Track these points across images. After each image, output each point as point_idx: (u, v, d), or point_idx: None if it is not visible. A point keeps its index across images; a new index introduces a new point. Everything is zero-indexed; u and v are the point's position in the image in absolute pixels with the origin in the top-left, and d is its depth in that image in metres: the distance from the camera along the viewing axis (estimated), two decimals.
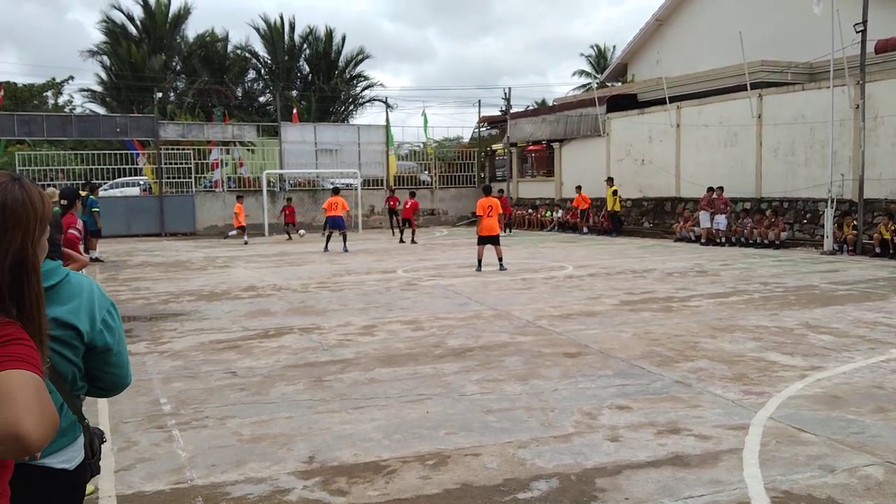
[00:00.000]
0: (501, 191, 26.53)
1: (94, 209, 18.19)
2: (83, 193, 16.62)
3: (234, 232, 24.74)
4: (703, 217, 20.40)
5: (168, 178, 28.59)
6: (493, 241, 14.92)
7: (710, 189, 20.52)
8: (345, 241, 20.15)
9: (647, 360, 7.32)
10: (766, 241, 19.08)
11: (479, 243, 15.09)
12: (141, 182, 30.19)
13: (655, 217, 24.69)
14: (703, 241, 20.36)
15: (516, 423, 5.49)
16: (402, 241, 23.05)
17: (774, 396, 6.04)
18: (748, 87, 20.86)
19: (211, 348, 8.26)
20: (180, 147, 28.86)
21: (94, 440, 2.24)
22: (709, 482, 4.36)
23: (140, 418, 5.81)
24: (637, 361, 7.29)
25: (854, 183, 17.58)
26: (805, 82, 21.05)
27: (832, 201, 17.51)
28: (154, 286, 13.66)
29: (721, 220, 19.95)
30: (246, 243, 23.42)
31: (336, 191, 21.35)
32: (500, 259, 14.97)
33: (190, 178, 28.71)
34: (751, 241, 19.36)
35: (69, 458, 2.11)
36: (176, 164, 28.57)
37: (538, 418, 5.59)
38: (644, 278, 13.57)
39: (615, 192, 24.17)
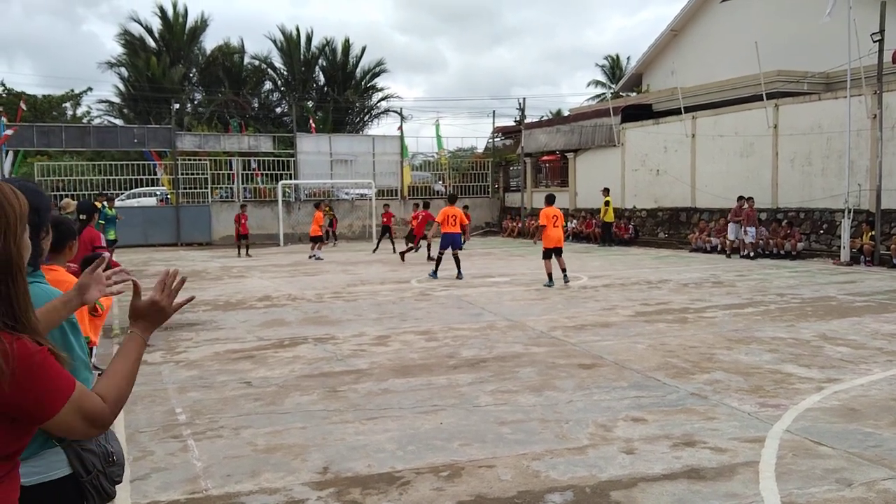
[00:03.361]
0: (467, 206, 25.38)
1: (99, 221, 18.21)
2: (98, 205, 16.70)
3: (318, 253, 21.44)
4: (731, 228, 19.78)
5: (185, 188, 28.83)
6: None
7: (741, 198, 19.94)
8: (458, 264, 15.61)
9: (662, 372, 7.29)
10: (782, 252, 18.94)
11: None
12: (158, 192, 30.46)
13: (671, 227, 24.59)
14: (728, 252, 19.78)
15: (530, 434, 5.48)
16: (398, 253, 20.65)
17: (791, 409, 5.99)
18: (764, 97, 20.76)
19: (226, 358, 8.30)
20: (197, 157, 29.11)
21: (86, 457, 2.24)
22: (724, 495, 4.33)
23: (155, 428, 5.85)
24: (652, 373, 7.26)
25: (871, 193, 17.43)
26: (821, 92, 20.93)
27: (849, 212, 17.38)
28: None
29: (751, 232, 19.22)
30: (315, 258, 21.06)
31: (452, 199, 17.06)
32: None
33: (206, 188, 28.92)
34: (767, 252, 19.23)
35: (41, 470, 2.12)
36: (193, 174, 28.81)
37: (552, 430, 5.57)
38: (659, 289, 13.51)
39: (607, 203, 24.19)
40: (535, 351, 8.36)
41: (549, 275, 14.10)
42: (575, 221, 27.50)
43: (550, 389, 6.71)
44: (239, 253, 22.63)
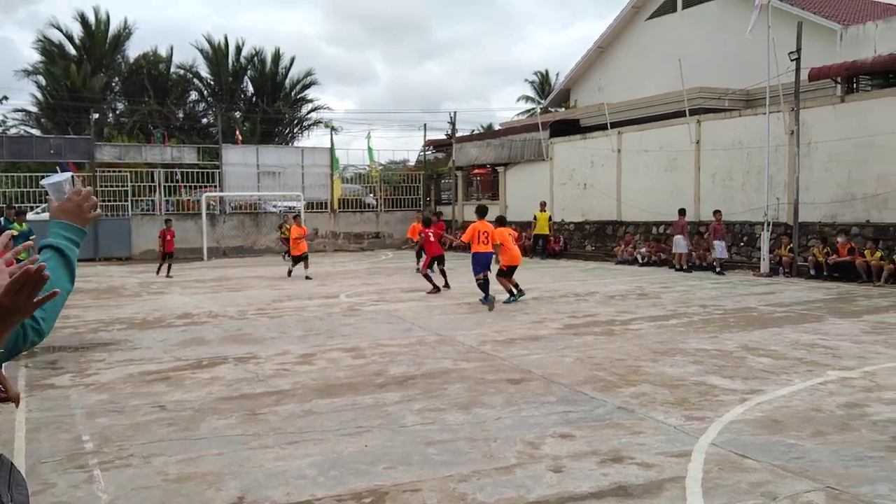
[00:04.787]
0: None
1: None
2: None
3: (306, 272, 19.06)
4: (677, 242, 19.47)
5: (104, 200, 27.73)
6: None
7: (682, 211, 19.87)
8: (486, 288, 13.05)
9: (589, 386, 7.26)
10: (704, 264, 19.39)
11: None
12: None
13: (598, 240, 24.96)
14: (676, 266, 19.37)
15: (458, 455, 5.33)
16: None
17: (716, 421, 6.01)
18: (687, 114, 21.33)
19: (140, 380, 7.89)
20: (117, 169, 28.09)
21: None
22: None
23: (59, 457, 5.46)
24: (580, 387, 7.22)
25: (789, 206, 18.04)
26: (742, 109, 21.64)
27: (768, 224, 17.95)
28: (84, 314, 13.11)
29: (719, 246, 18.58)
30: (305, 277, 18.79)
31: (483, 212, 13.67)
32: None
33: (127, 200, 27.93)
34: (690, 265, 19.64)
35: None
36: (112, 186, 27.77)
37: (480, 449, 5.44)
38: (586, 301, 13.60)
39: (535, 217, 24.46)
40: (465, 366, 8.24)
41: (510, 290, 13.42)
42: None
43: (479, 406, 6.58)
44: (158, 271, 20.42)
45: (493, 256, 13.40)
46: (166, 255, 20.38)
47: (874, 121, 16.65)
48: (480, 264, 13.12)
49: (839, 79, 19.27)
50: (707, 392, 6.95)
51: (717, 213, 18.99)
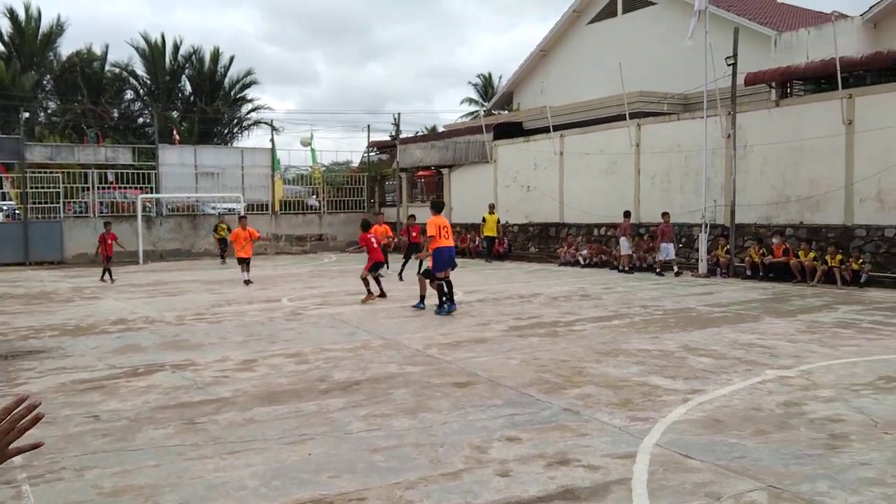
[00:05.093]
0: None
1: None
2: None
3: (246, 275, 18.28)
4: (623, 244, 19.67)
5: (35, 202, 26.75)
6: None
7: (628, 213, 20.22)
8: (447, 294, 12.29)
9: (535, 388, 7.26)
10: (644, 265, 19.72)
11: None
12: (5, 207, 28.16)
13: (541, 242, 25.17)
14: (620, 268, 19.56)
15: (404, 461, 5.24)
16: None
17: (659, 422, 6.07)
18: (627, 117, 21.67)
19: (72, 389, 7.58)
20: (49, 170, 27.11)
21: None
22: None
23: None
24: (526, 389, 7.21)
25: (726, 208, 18.48)
26: (680, 112, 22.10)
27: (706, 226, 18.35)
28: (13, 320, 12.58)
29: (668, 248, 18.64)
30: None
31: (439, 207, 13.11)
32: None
33: (59, 202, 26.97)
34: (631, 266, 19.95)
35: None
36: (44, 187, 26.79)
37: (427, 455, 5.36)
38: (531, 303, 13.67)
39: (484, 220, 24.54)
40: (410, 370, 8.16)
41: (423, 295, 12.83)
42: None
43: (425, 411, 6.51)
44: (102, 277, 19.45)
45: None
46: (108, 259, 19.60)
47: (807, 125, 17.19)
48: (444, 260, 12.18)
49: (774, 84, 19.84)
50: (650, 392, 7.02)
51: (665, 215, 18.91)
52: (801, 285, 15.63)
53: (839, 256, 15.52)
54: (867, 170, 16.06)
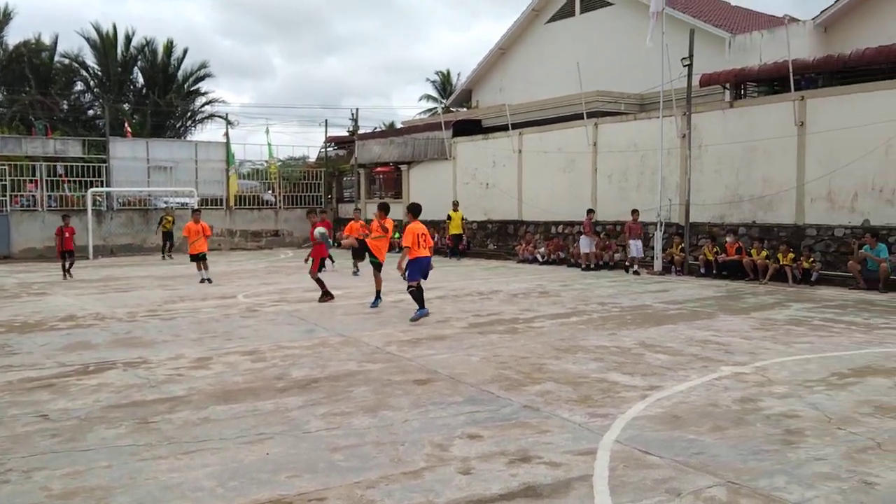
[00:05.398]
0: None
1: None
2: None
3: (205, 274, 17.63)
4: (584, 241, 19.73)
5: None
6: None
7: (591, 211, 20.28)
8: (420, 298, 11.40)
9: (496, 385, 7.24)
10: (600, 263, 19.90)
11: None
12: None
13: (499, 239, 25.24)
14: (583, 265, 19.59)
15: (365, 460, 5.17)
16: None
17: (619, 418, 6.10)
18: (585, 116, 21.84)
19: (20, 388, 7.33)
20: None
21: None
22: None
23: None
24: (486, 386, 7.19)
25: (681, 207, 18.75)
26: (636, 112, 22.36)
27: (661, 224, 18.61)
28: None
29: (636, 245, 18.55)
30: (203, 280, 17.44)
31: (417, 211, 11.86)
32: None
33: (5, 195, 26.15)
34: (590, 263, 20.13)
35: None
36: None
37: (388, 453, 5.30)
38: (490, 300, 13.68)
39: (449, 217, 24.50)
40: (370, 368, 8.08)
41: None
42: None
43: (386, 409, 6.44)
44: (66, 272, 18.75)
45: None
46: (66, 254, 18.85)
47: (760, 126, 17.53)
48: (419, 269, 11.30)
49: (728, 85, 20.18)
50: (609, 389, 7.06)
51: (634, 212, 18.84)
52: (754, 283, 15.94)
53: (791, 255, 15.87)
54: (818, 170, 16.44)
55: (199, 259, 17.56)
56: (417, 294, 11.29)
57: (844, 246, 15.88)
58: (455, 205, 24.98)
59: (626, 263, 18.97)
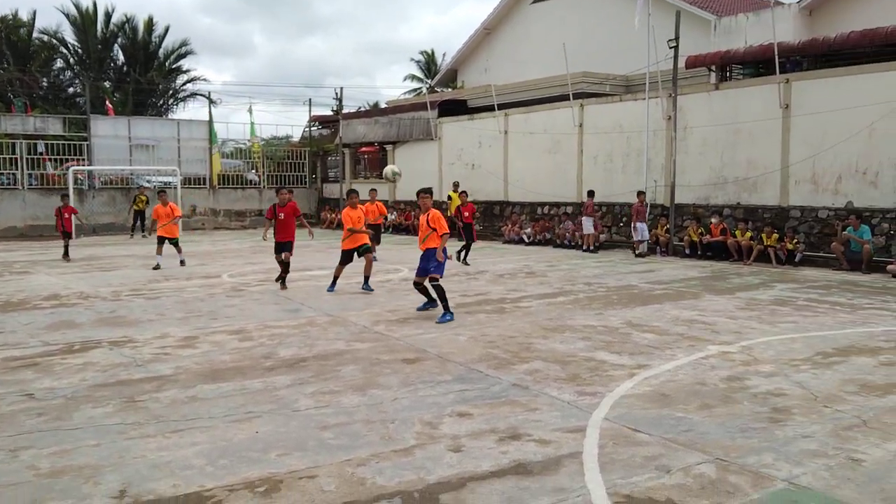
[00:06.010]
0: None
1: None
2: None
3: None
4: (585, 222, 19.46)
5: None
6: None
7: (591, 193, 19.73)
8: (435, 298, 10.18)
9: (484, 364, 7.26)
10: (597, 244, 19.90)
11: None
12: None
13: (485, 220, 25.21)
14: (584, 247, 19.33)
15: (355, 438, 5.17)
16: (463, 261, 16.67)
17: (607, 396, 6.13)
18: (570, 97, 21.78)
19: (4, 367, 7.25)
20: None
21: None
22: (552, 490, 4.27)
23: None
24: (475, 365, 7.20)
25: (666, 189, 18.81)
26: (622, 94, 22.33)
27: (647, 205, 18.63)
28: None
29: (641, 228, 18.16)
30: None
31: (430, 193, 10.76)
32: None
33: None
34: (573, 244, 20.18)
35: None
36: None
37: (378, 431, 5.30)
38: (477, 280, 13.68)
39: (449, 198, 24.28)
40: (358, 347, 8.06)
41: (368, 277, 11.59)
42: (395, 213, 27.47)
43: (375, 387, 6.43)
44: (66, 254, 17.97)
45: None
46: (66, 235, 18.15)
47: (745, 108, 17.56)
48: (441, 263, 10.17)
49: (714, 67, 20.17)
50: (597, 367, 7.10)
51: (640, 194, 18.35)
52: (738, 264, 16.05)
53: (775, 236, 15.97)
54: (802, 152, 16.52)
55: (162, 242, 16.14)
56: (443, 292, 9.87)
57: (828, 227, 16.01)
58: (455, 185, 24.52)
59: (633, 245, 18.68)
